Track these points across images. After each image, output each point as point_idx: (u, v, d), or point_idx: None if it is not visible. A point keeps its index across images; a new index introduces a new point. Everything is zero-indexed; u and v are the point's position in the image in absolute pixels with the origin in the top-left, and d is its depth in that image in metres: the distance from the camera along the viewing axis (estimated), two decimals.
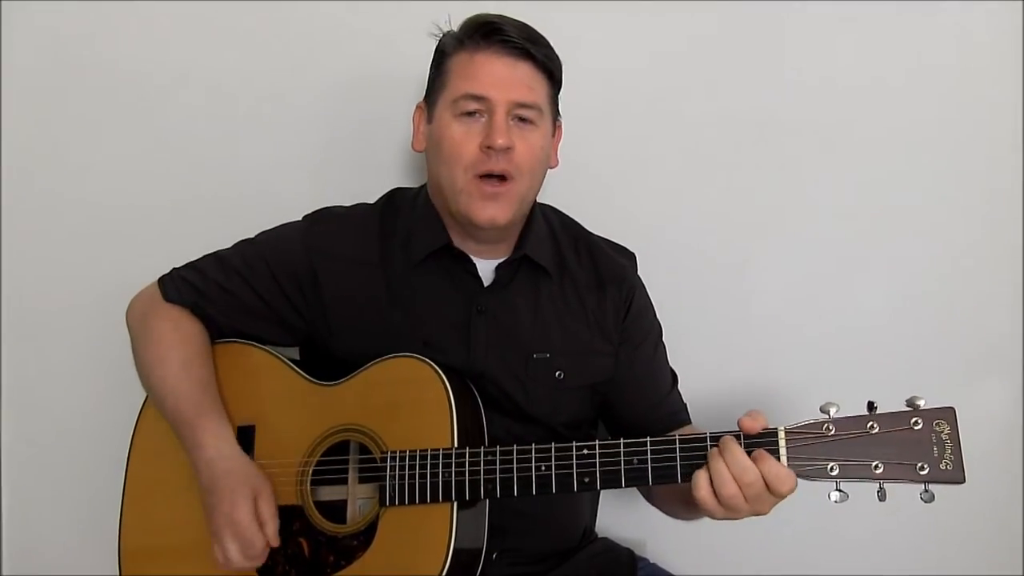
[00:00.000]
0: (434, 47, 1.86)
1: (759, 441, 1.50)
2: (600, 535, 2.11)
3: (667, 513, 1.91)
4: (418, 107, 1.90)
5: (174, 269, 1.95)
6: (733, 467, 1.48)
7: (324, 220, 1.95)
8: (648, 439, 1.57)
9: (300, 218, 1.97)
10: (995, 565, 2.37)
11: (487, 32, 1.75)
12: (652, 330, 1.98)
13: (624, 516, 2.24)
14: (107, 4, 2.30)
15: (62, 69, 2.34)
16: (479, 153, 1.74)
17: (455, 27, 1.82)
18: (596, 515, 2.13)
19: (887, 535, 2.35)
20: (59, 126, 2.36)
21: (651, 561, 2.10)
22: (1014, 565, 2.36)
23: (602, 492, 2.13)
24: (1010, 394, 2.33)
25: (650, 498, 1.96)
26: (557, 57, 1.82)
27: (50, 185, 2.38)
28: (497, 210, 1.78)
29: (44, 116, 2.36)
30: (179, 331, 1.88)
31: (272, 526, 1.70)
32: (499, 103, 1.74)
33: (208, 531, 1.74)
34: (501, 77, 1.75)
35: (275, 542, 1.71)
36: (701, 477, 1.50)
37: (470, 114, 1.76)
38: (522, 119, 1.77)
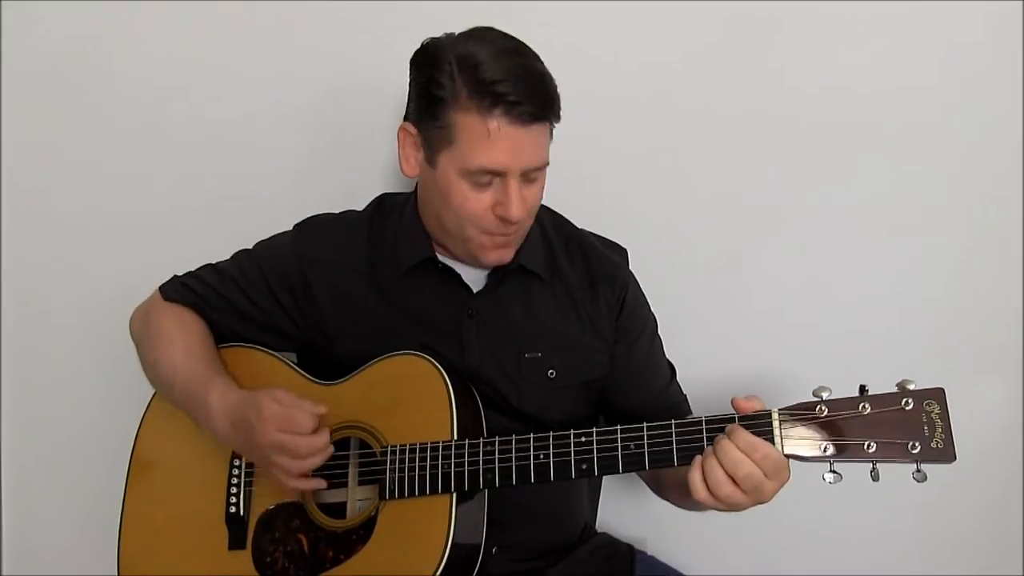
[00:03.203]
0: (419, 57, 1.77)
1: (753, 423, 1.51)
2: (600, 530, 2.11)
3: (681, 506, 1.89)
4: (404, 130, 1.80)
5: (174, 276, 1.98)
6: (725, 462, 1.48)
7: (313, 227, 1.97)
8: (644, 424, 1.58)
9: (291, 225, 1.99)
10: (995, 565, 2.37)
11: (497, 97, 1.64)
12: (647, 324, 1.98)
13: (624, 512, 2.24)
14: (104, 6, 2.32)
15: (61, 72, 2.36)
16: (493, 219, 1.72)
17: (453, 59, 1.69)
18: (596, 511, 2.13)
19: (887, 534, 2.34)
20: (57, 129, 2.38)
21: (651, 555, 2.09)
22: (1014, 565, 2.35)
23: (603, 488, 2.15)
24: (1010, 393, 2.33)
25: (663, 492, 1.95)
26: (558, 98, 1.73)
27: (48, 187, 2.40)
28: (505, 253, 1.79)
29: (42, 119, 2.38)
30: (181, 322, 1.91)
31: (303, 403, 1.67)
32: (512, 172, 1.68)
33: (209, 531, 1.77)
34: (515, 145, 1.67)
35: (318, 409, 1.67)
36: (696, 480, 1.51)
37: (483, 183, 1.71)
38: (531, 177, 1.74)
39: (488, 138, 1.65)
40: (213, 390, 1.77)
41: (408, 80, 1.79)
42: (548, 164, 1.76)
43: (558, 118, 1.74)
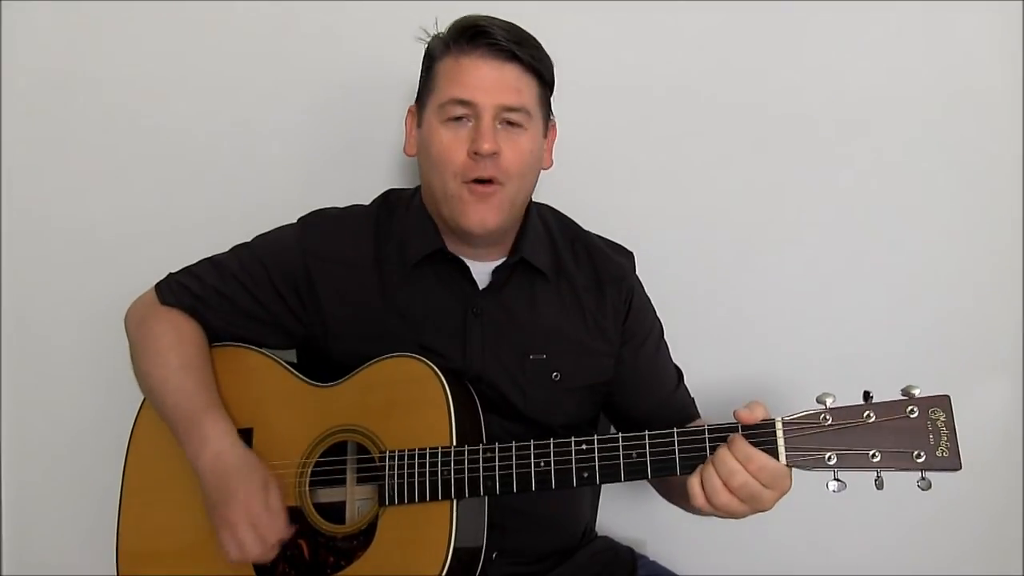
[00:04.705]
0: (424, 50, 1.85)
1: (756, 432, 1.50)
2: (600, 534, 2.10)
3: (688, 510, 1.87)
4: (410, 111, 1.88)
5: (170, 274, 1.95)
6: (721, 470, 1.49)
7: (319, 222, 1.95)
8: (647, 432, 1.57)
9: (295, 220, 1.97)
10: (995, 565, 2.37)
11: (473, 35, 1.73)
12: (653, 328, 1.98)
13: (625, 515, 2.24)
14: (105, 6, 2.31)
15: (63, 72, 2.34)
16: (467, 160, 1.74)
17: (443, 30, 1.81)
18: (596, 514, 2.12)
19: (887, 535, 2.35)
20: (59, 130, 2.37)
21: (651, 560, 2.10)
22: (1014, 565, 2.35)
23: (602, 491, 2.13)
24: (1010, 394, 2.33)
25: (670, 497, 1.94)
26: (547, 57, 1.80)
27: (48, 188, 2.39)
28: (487, 213, 1.77)
29: (43, 120, 2.36)
30: (177, 332, 1.88)
31: (284, 516, 1.70)
32: (485, 107, 1.72)
33: (207, 531, 1.74)
34: (487, 80, 1.73)
35: (287, 533, 1.70)
36: (695, 486, 1.51)
37: (457, 119, 1.75)
38: (510, 123, 1.76)
39: (459, 70, 1.74)
40: (210, 423, 1.76)
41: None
42: (529, 113, 1.78)
43: (544, 73, 1.79)
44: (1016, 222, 2.30)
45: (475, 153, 1.72)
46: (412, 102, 1.88)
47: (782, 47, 2.30)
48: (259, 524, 1.66)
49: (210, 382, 1.85)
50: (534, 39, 1.79)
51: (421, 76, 1.84)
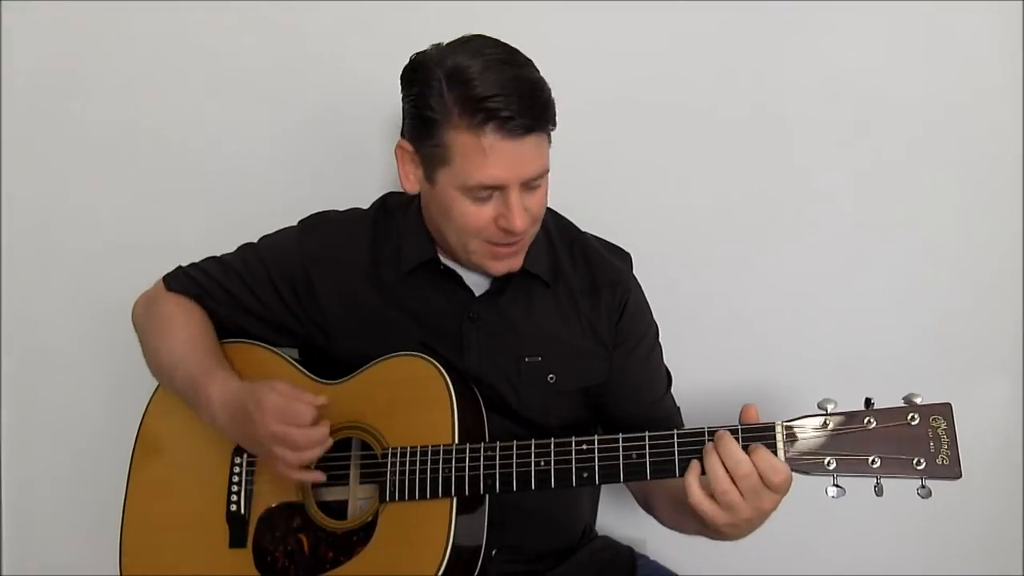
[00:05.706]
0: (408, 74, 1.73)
1: (756, 435, 1.51)
2: (600, 533, 2.11)
3: (673, 527, 1.89)
4: (401, 148, 1.77)
5: (178, 267, 1.98)
6: (727, 460, 1.48)
7: (318, 225, 1.97)
8: (647, 433, 1.57)
9: (296, 223, 1.99)
10: (995, 565, 2.38)
11: (489, 113, 1.60)
12: (648, 333, 1.97)
13: (624, 514, 2.23)
14: (106, 6, 2.31)
15: (62, 73, 2.35)
16: (495, 229, 1.70)
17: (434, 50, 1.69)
18: (596, 513, 2.13)
19: (887, 535, 2.36)
20: (58, 131, 2.37)
21: (651, 559, 2.10)
22: (1014, 565, 2.36)
23: (603, 490, 2.14)
24: (1010, 394, 2.33)
25: (650, 510, 1.95)
26: (553, 104, 1.69)
27: (48, 188, 2.39)
28: (512, 263, 1.77)
29: (42, 121, 2.37)
30: (184, 312, 1.92)
31: (302, 394, 1.67)
32: (512, 184, 1.65)
33: (211, 526, 1.77)
34: (510, 159, 1.63)
35: (317, 400, 1.67)
36: (693, 483, 1.51)
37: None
38: (532, 185, 1.71)
39: (484, 155, 1.62)
40: (214, 381, 1.77)
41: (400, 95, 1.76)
42: (548, 170, 1.73)
43: (554, 125, 1.71)
44: (1016, 222, 2.30)
45: (507, 231, 1.69)
46: (401, 140, 1.77)
47: (782, 47, 2.29)
48: (284, 413, 1.64)
49: (216, 351, 1.87)
50: (543, 89, 1.67)
51: (416, 124, 1.70)
